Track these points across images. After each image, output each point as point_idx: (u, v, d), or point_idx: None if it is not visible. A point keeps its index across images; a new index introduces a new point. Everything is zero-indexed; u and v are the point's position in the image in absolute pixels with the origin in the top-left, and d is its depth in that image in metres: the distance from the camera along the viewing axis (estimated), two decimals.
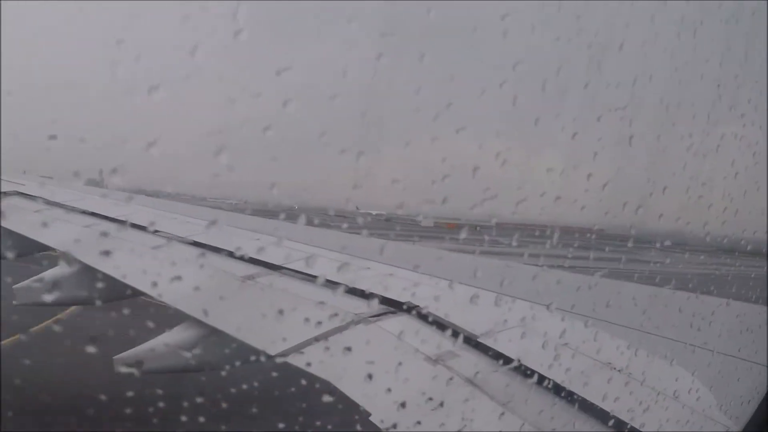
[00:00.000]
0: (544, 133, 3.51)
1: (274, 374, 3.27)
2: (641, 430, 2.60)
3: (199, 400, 3.19)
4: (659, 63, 3.93)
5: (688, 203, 4.48)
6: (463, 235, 3.31)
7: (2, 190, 7.06)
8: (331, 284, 3.73)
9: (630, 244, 4.18)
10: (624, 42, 3.73)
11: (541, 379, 2.96)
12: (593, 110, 3.77)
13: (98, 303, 3.98)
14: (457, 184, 2.98)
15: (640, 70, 3.87)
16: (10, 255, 4.80)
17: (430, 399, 2.81)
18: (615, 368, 3.25)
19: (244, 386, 3.43)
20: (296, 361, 3.09)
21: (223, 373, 3.46)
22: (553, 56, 3.52)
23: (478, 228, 3.51)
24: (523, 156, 3.35)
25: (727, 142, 4.46)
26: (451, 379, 3.02)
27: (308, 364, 3.04)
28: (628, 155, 4.38)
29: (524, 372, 3.02)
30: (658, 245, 4.63)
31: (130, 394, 3.01)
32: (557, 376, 3.00)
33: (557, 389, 2.90)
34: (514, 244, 3.57)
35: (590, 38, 3.53)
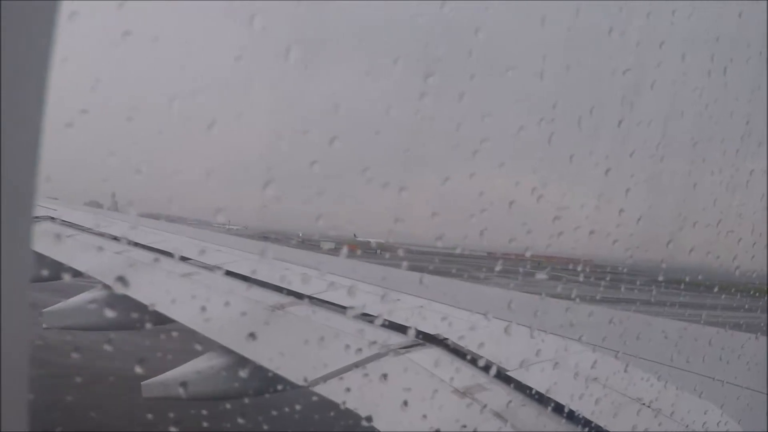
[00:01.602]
0: (577, 169, 3.49)
1: (301, 404, 3.22)
2: None
3: (226, 427, 3.15)
4: (690, 100, 3.91)
5: (717, 237, 4.41)
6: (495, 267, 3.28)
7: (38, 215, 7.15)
8: (360, 315, 3.69)
9: (660, 279, 4.10)
10: (655, 81, 3.73)
11: (570, 413, 2.90)
12: (625, 147, 3.75)
13: (129, 329, 3.97)
14: (494, 218, 2.96)
15: (671, 108, 3.85)
16: (39, 278, 4.83)
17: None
18: (644, 403, 3.18)
19: (271, 415, 3.38)
20: (324, 391, 3.05)
21: (249, 402, 3.41)
22: (587, 95, 3.52)
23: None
24: (557, 191, 3.33)
25: (756, 177, 4.40)
26: (479, 412, 2.96)
27: (336, 395, 3.00)
28: (659, 191, 4.33)
29: (553, 406, 2.96)
30: (687, 279, 4.54)
31: (158, 419, 2.97)
32: (586, 410, 2.94)
33: (586, 424, 2.84)
34: (545, 277, 3.52)
35: (621, 78, 3.53)
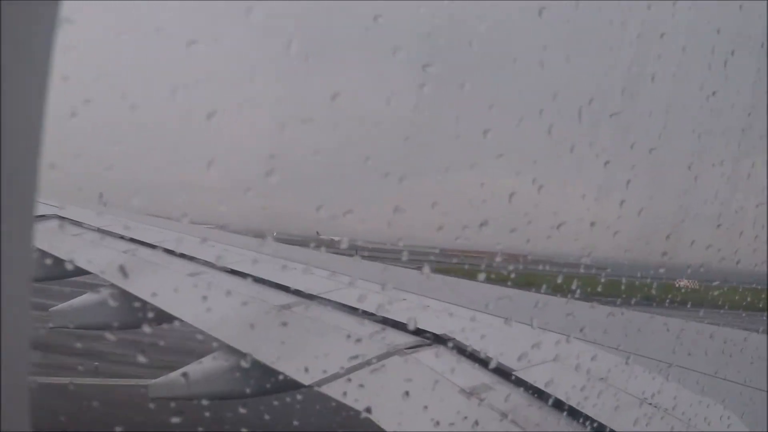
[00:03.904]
0: (576, 161, 3.38)
1: (308, 404, 3.14)
2: None
3: (230, 428, 3.07)
4: (690, 93, 3.80)
5: (719, 231, 4.30)
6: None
7: (41, 213, 7.07)
8: (366, 315, 3.61)
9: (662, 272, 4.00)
10: (656, 73, 3.61)
11: (576, 413, 2.82)
12: (626, 138, 3.64)
13: (135, 328, 3.88)
14: (494, 214, 2.86)
15: (672, 100, 3.74)
16: (46, 278, 4.74)
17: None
18: (650, 403, 3.10)
19: (276, 415, 3.30)
20: (331, 391, 2.96)
21: (256, 402, 3.33)
22: (587, 87, 3.41)
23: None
24: (557, 185, 3.23)
25: (758, 170, 4.28)
26: (486, 411, 2.88)
27: (343, 395, 2.92)
28: (660, 185, 4.22)
29: (559, 406, 2.88)
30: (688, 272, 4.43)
31: (165, 420, 2.90)
32: (592, 410, 2.86)
33: (592, 423, 2.76)
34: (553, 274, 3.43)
35: (622, 69, 3.43)
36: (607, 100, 3.31)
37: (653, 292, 3.92)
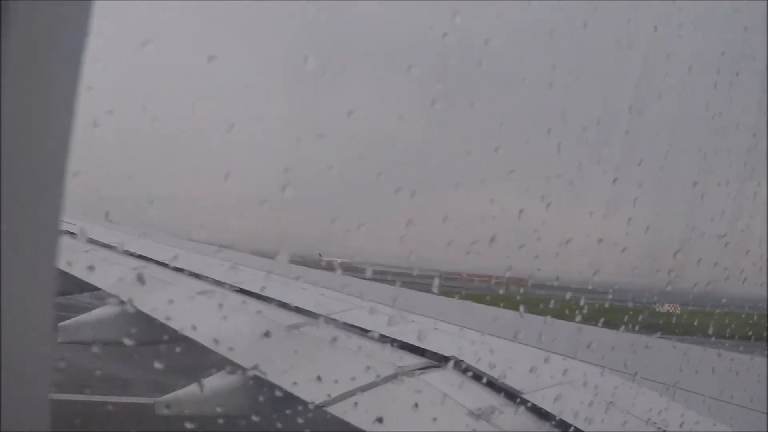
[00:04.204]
0: (585, 180, 3.37)
1: (315, 424, 3.09)
2: None
3: None
4: (698, 112, 3.80)
5: (726, 252, 4.26)
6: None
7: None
8: (374, 336, 3.58)
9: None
10: (663, 91, 3.62)
11: None
12: (633, 156, 3.63)
13: (144, 345, 3.87)
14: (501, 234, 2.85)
15: (678, 118, 3.74)
16: (57, 293, 4.74)
17: None
18: (660, 428, 3.04)
19: None
20: (338, 411, 2.93)
21: (261, 421, 3.29)
22: (594, 105, 3.42)
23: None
24: (565, 203, 3.22)
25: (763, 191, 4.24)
26: None
27: (350, 415, 2.88)
28: (665, 204, 4.20)
29: (567, 429, 2.84)
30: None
31: None
32: None
33: None
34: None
35: (630, 88, 3.43)
36: (615, 118, 3.32)
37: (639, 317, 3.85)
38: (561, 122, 2.74)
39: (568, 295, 3.44)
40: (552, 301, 3.65)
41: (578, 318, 3.46)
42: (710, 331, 4.24)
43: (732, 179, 4.29)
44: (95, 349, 4.62)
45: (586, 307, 3.37)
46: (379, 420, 2.81)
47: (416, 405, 3.04)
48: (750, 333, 4.71)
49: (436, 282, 3.94)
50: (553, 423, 2.90)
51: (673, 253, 3.93)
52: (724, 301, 4.65)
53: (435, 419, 2.95)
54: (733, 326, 4.59)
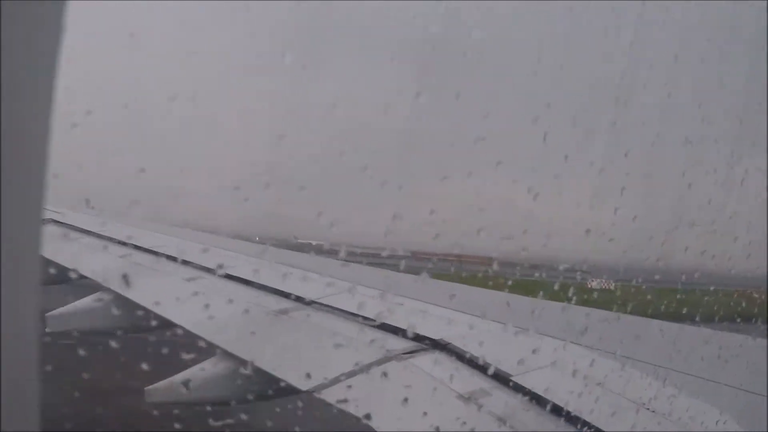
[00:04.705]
0: (573, 168, 3.38)
1: (305, 410, 3.12)
2: None
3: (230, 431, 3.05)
4: (685, 100, 3.81)
5: (714, 236, 4.31)
6: None
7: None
8: (363, 320, 3.59)
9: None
10: (649, 80, 3.62)
11: (574, 418, 2.81)
12: (620, 146, 3.64)
13: (133, 333, 3.86)
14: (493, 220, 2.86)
15: (666, 106, 3.75)
16: (44, 282, 4.69)
17: None
18: (645, 405, 3.09)
19: (274, 421, 3.28)
20: (328, 396, 2.95)
21: (253, 407, 3.31)
22: (582, 94, 3.42)
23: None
24: (555, 190, 3.23)
25: (752, 175, 4.29)
26: (483, 417, 2.87)
27: (339, 400, 2.90)
28: (654, 191, 4.23)
29: (556, 411, 2.88)
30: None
31: (162, 424, 2.88)
32: (589, 415, 2.86)
33: (589, 428, 2.76)
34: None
35: (617, 77, 3.43)
36: (602, 107, 3.33)
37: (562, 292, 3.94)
38: (547, 112, 2.75)
39: (555, 282, 3.50)
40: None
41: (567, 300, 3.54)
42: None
43: (720, 165, 4.33)
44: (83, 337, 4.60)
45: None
46: (368, 406, 2.83)
47: (406, 387, 3.07)
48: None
49: (427, 265, 3.97)
50: (543, 405, 2.94)
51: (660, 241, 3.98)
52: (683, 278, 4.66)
53: (423, 404, 2.98)
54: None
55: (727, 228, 3.94)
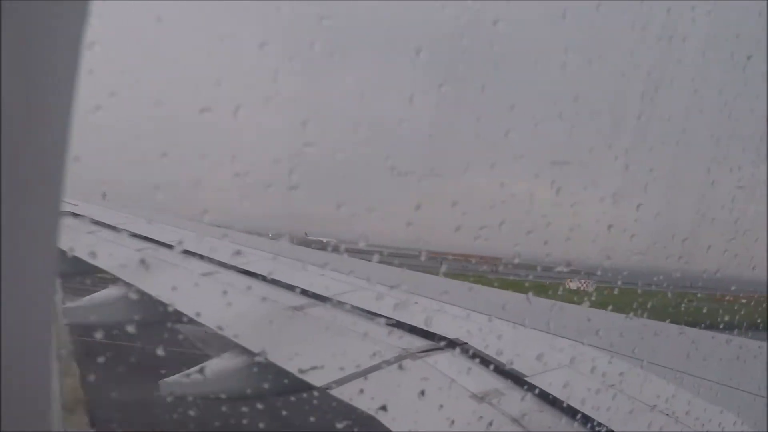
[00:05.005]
0: (597, 164, 3.33)
1: (318, 407, 3.11)
2: None
3: (242, 427, 3.05)
4: (709, 98, 3.73)
5: (735, 237, 4.22)
6: None
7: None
8: (379, 318, 3.58)
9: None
10: (675, 77, 3.55)
11: (587, 420, 2.77)
12: (644, 143, 3.57)
13: (149, 325, 3.88)
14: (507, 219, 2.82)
15: (690, 105, 3.68)
16: (61, 274, 4.74)
17: None
18: (660, 411, 3.05)
19: (288, 416, 3.28)
20: (341, 394, 2.93)
21: (267, 403, 3.31)
22: (606, 90, 3.36)
23: None
24: (576, 187, 3.18)
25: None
26: (497, 417, 2.84)
27: (353, 398, 2.88)
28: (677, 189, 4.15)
29: (570, 413, 2.84)
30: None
31: (176, 417, 2.88)
32: (603, 416, 2.82)
33: (602, 429, 2.72)
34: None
35: (642, 74, 3.37)
36: (627, 104, 3.26)
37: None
38: (573, 107, 2.70)
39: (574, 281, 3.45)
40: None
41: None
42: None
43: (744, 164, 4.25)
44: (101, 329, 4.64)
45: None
46: (383, 403, 2.81)
47: (421, 386, 3.04)
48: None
49: (443, 264, 3.96)
50: (557, 405, 2.91)
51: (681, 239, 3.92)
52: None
53: (438, 402, 2.95)
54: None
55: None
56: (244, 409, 3.28)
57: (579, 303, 4.71)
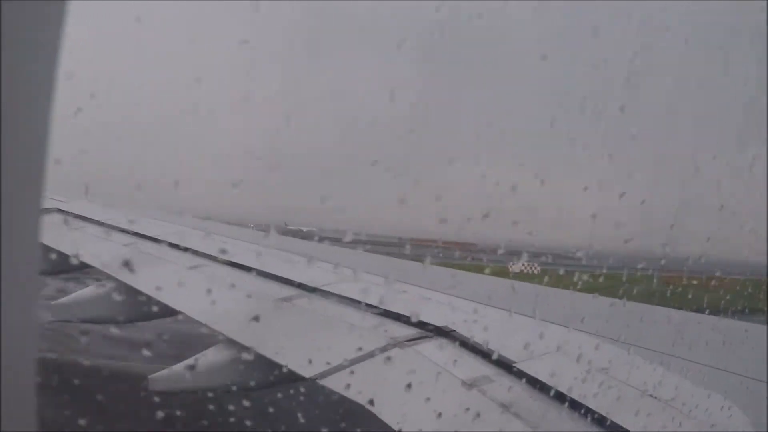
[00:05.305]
0: (582, 154, 3.36)
1: (309, 397, 3.12)
2: None
3: (232, 421, 3.05)
4: (692, 87, 3.76)
5: (720, 222, 4.28)
6: None
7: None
8: (367, 307, 3.59)
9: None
10: (658, 66, 3.57)
11: (577, 405, 2.81)
12: (627, 132, 3.61)
13: (136, 321, 3.86)
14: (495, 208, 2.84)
15: (676, 94, 3.71)
16: (48, 271, 4.71)
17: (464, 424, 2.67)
18: (648, 392, 3.09)
19: (277, 408, 3.29)
20: (331, 383, 2.94)
21: (256, 394, 3.31)
22: (590, 80, 3.37)
23: None
24: (559, 176, 3.21)
25: (760, 162, 4.25)
26: (485, 404, 2.87)
27: (344, 387, 2.90)
28: (662, 176, 4.19)
29: (560, 398, 2.87)
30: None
31: (165, 412, 2.88)
32: (592, 402, 2.85)
33: (592, 415, 2.76)
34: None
35: (626, 64, 3.39)
36: (610, 94, 3.29)
37: None
38: (557, 98, 2.71)
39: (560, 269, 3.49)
40: None
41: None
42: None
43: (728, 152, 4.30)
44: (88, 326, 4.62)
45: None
46: (372, 393, 2.83)
47: (409, 374, 3.07)
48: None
49: (430, 252, 3.98)
50: (546, 391, 2.94)
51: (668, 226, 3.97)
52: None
53: (427, 391, 2.98)
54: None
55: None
56: (233, 401, 3.29)
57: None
